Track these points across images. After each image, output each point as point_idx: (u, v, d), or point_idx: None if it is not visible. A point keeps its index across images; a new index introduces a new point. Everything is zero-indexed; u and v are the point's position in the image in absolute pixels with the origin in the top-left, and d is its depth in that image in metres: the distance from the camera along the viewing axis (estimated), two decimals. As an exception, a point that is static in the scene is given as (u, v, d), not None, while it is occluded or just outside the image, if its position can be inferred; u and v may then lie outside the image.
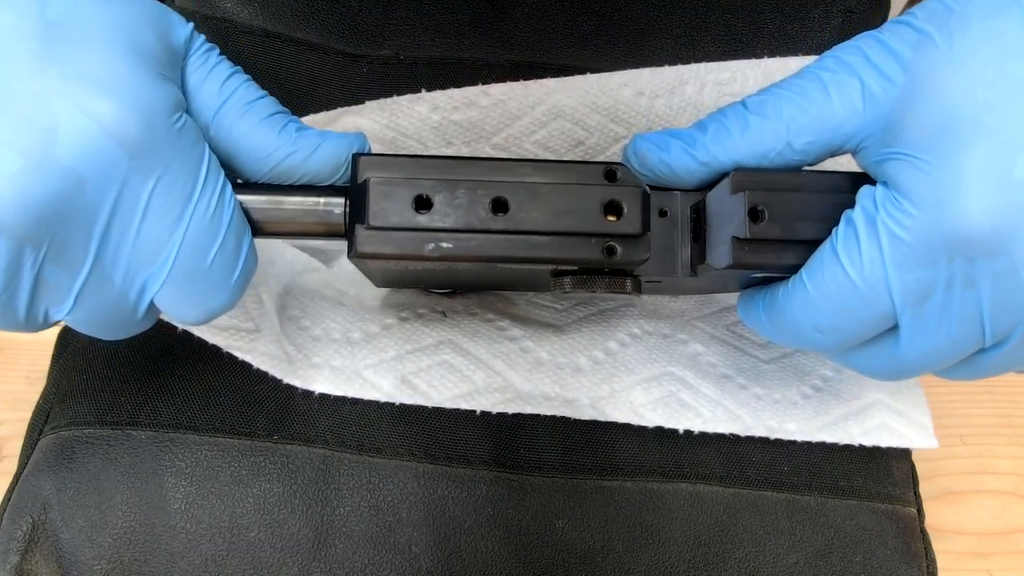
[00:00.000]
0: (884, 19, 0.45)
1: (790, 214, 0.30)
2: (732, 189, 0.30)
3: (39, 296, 0.28)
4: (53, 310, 0.28)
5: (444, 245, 0.30)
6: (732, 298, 0.46)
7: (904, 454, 0.43)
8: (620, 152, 0.43)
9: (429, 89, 0.41)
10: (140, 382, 0.39)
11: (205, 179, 0.28)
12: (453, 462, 0.39)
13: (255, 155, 0.31)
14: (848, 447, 0.41)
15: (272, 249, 0.43)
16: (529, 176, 0.31)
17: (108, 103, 0.26)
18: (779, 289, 0.31)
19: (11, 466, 0.43)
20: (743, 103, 0.31)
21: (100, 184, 0.26)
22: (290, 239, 0.33)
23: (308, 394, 0.39)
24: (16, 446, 0.41)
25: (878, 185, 0.29)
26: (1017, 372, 0.31)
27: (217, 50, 0.31)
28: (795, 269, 0.30)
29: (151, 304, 0.30)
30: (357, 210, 0.30)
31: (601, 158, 0.43)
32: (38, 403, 0.41)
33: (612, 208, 0.30)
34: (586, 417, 0.40)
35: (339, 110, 0.41)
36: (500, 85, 0.41)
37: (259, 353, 0.38)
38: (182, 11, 0.39)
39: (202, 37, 0.31)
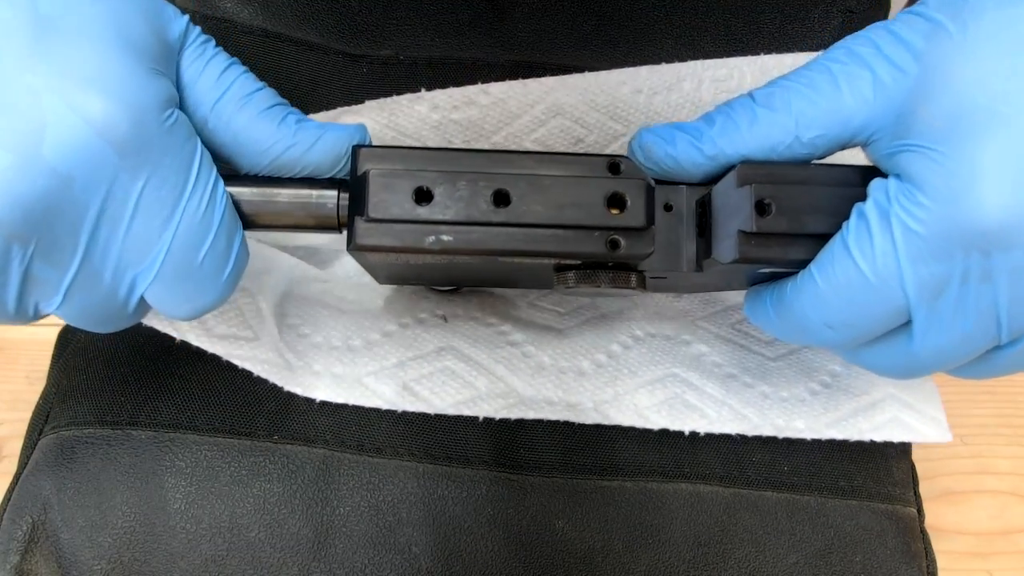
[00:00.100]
0: (884, 19, 0.45)
1: (798, 208, 0.29)
2: (739, 182, 0.29)
3: (28, 291, 0.28)
4: (43, 304, 0.28)
5: (445, 238, 0.29)
6: (736, 297, 0.45)
7: (904, 454, 0.43)
8: (619, 150, 0.43)
9: (429, 89, 0.41)
10: (140, 382, 0.39)
11: (197, 177, 0.28)
12: (453, 462, 0.38)
13: (255, 148, 0.30)
14: (848, 446, 0.41)
15: (269, 257, 0.43)
16: (531, 168, 0.30)
17: (98, 100, 0.26)
18: (787, 284, 0.31)
19: (11, 466, 0.43)
20: (751, 95, 0.31)
21: (88, 183, 0.26)
22: (282, 232, 0.32)
23: (309, 398, 0.39)
24: (16, 446, 0.41)
25: (890, 178, 0.28)
26: None
27: (213, 42, 0.31)
28: (803, 264, 0.30)
29: (141, 299, 0.30)
30: (357, 202, 0.30)
31: None
32: (38, 403, 0.41)
33: (616, 201, 0.30)
34: (590, 421, 0.40)
35: (339, 110, 0.41)
36: (499, 84, 0.40)
37: (259, 361, 0.38)
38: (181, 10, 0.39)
39: (198, 29, 0.31)
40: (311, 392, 0.39)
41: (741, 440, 0.40)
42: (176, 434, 0.38)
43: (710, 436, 0.40)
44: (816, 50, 0.42)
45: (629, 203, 0.30)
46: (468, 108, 0.41)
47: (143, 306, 0.30)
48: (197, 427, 0.38)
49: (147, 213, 0.27)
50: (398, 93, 0.41)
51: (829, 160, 0.31)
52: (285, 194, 0.31)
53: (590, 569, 0.38)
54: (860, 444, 0.41)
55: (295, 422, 0.38)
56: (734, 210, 0.30)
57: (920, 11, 0.28)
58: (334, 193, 0.31)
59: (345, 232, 0.31)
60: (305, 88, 0.42)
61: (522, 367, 0.41)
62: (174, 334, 0.38)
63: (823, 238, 0.29)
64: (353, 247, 0.30)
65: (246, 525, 0.37)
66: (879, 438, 0.40)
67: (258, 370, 0.38)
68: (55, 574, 0.37)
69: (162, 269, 0.28)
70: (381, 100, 0.41)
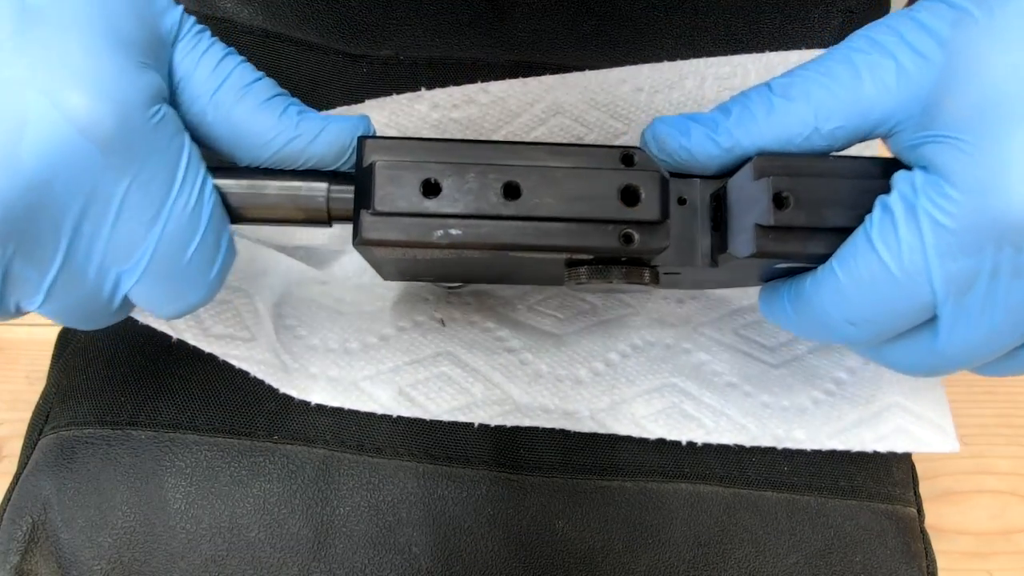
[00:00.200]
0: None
1: (817, 200, 0.28)
2: (755, 175, 0.28)
3: (9, 290, 0.27)
4: (24, 302, 0.28)
5: (453, 232, 0.28)
6: (741, 300, 0.45)
7: (905, 454, 0.43)
8: None
9: (429, 88, 0.41)
10: (140, 382, 0.39)
11: (184, 175, 0.27)
12: (453, 462, 0.38)
13: (255, 140, 0.29)
14: (848, 447, 0.41)
15: (266, 259, 0.42)
16: (542, 160, 0.29)
17: (82, 96, 0.25)
18: (806, 280, 0.30)
19: (11, 466, 0.43)
20: (768, 85, 0.29)
21: (70, 182, 0.25)
22: (272, 226, 0.32)
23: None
24: (16, 446, 0.41)
25: (916, 170, 0.27)
26: None
27: (208, 32, 0.30)
28: (822, 259, 0.29)
29: (125, 298, 0.29)
30: (362, 195, 0.29)
31: None
32: (38, 403, 0.41)
33: (629, 194, 0.29)
34: (586, 430, 0.39)
35: (339, 109, 0.41)
36: (499, 83, 0.40)
37: (255, 362, 0.38)
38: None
39: (192, 19, 0.30)
40: (307, 395, 0.38)
41: None
42: (176, 434, 0.38)
43: None
44: (816, 50, 0.42)
45: (643, 196, 0.29)
46: (468, 107, 0.41)
47: (128, 305, 0.30)
48: (197, 427, 0.38)
49: (132, 213, 0.27)
50: (398, 93, 0.41)
51: (848, 152, 0.30)
52: (273, 186, 0.30)
53: (590, 569, 0.38)
54: None
55: (295, 422, 0.38)
56: (751, 203, 0.29)
57: None
58: (324, 185, 0.30)
59: (337, 227, 0.31)
60: (305, 88, 0.42)
61: (519, 374, 0.41)
62: (171, 333, 0.38)
63: (843, 232, 0.28)
64: (359, 241, 0.29)
65: (246, 525, 0.37)
66: (883, 448, 0.40)
67: (254, 371, 0.38)
68: (55, 574, 0.37)
69: (148, 269, 0.27)
70: (381, 99, 0.41)
